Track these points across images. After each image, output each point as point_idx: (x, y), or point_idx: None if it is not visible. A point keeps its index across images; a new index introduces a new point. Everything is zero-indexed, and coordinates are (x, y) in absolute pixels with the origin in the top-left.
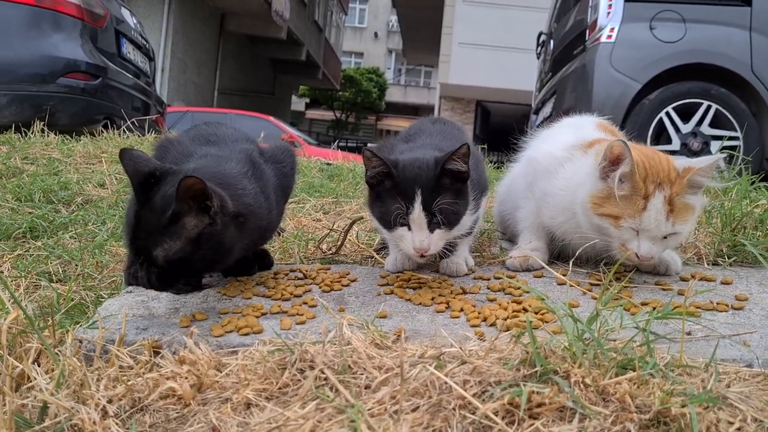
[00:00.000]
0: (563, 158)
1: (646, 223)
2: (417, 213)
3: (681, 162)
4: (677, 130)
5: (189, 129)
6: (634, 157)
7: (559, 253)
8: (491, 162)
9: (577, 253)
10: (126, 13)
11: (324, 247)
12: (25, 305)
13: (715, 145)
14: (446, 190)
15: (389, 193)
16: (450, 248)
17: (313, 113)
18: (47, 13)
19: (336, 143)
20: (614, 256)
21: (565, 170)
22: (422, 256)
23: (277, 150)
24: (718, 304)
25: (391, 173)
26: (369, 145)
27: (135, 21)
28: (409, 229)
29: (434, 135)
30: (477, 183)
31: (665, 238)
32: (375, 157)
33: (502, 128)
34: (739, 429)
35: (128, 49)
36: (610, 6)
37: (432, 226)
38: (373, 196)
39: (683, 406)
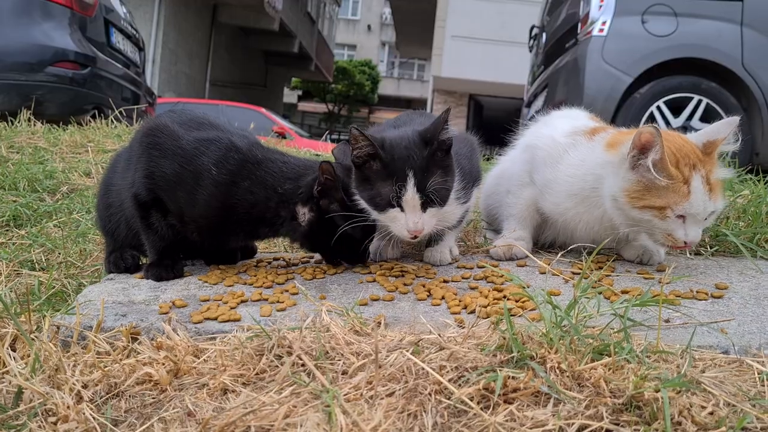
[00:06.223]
0: (567, 144)
1: (696, 208)
2: (411, 194)
3: (693, 137)
4: (668, 124)
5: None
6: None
7: (543, 243)
8: (483, 155)
9: (563, 239)
10: (116, 2)
11: None
12: (3, 292)
13: None
14: (437, 166)
15: (378, 174)
16: (437, 238)
17: (305, 105)
18: (36, 1)
19: (327, 134)
20: (621, 252)
21: (570, 156)
22: (414, 237)
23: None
24: (698, 292)
25: (378, 154)
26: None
27: (125, 10)
28: (402, 210)
29: (421, 126)
30: (469, 173)
31: (706, 218)
32: (362, 136)
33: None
34: (711, 413)
35: (117, 39)
36: None
37: (424, 206)
38: (359, 177)
39: (657, 391)
